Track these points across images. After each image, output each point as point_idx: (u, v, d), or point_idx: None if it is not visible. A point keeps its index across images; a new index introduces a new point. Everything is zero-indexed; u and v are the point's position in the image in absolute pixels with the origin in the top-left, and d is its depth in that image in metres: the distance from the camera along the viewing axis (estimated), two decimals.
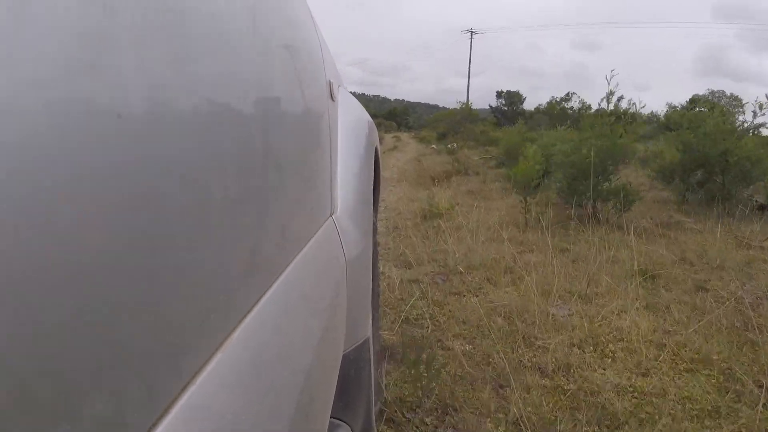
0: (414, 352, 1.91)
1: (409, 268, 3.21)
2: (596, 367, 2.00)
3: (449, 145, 15.17)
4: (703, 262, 3.36)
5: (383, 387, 1.71)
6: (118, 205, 0.21)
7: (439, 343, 2.17)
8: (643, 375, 1.94)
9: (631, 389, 1.83)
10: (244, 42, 0.38)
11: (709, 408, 1.72)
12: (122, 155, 0.21)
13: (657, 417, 1.64)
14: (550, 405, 1.72)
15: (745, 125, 5.52)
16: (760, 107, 5.11)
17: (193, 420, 0.26)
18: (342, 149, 0.89)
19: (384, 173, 3.48)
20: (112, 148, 0.20)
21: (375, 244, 1.26)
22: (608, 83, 4.56)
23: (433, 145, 17.34)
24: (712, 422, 1.65)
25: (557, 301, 2.65)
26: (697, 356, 2.07)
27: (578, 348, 2.16)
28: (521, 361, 2.04)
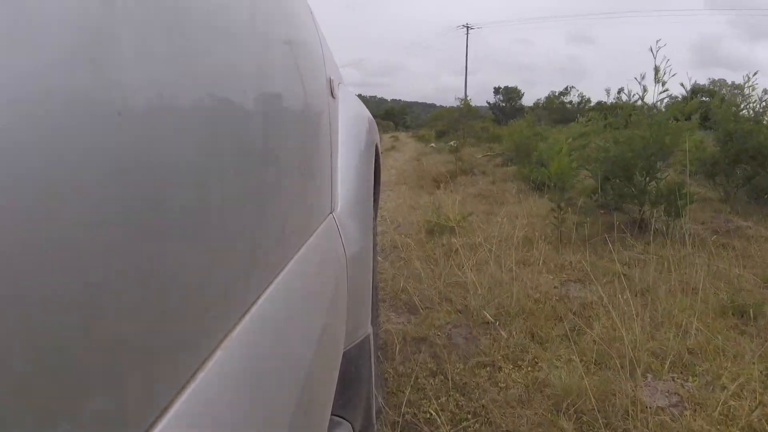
0: None
1: (414, 315, 2.29)
2: None
3: (450, 143, 14.51)
4: None
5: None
6: (118, 202, 0.21)
7: None
8: None
9: None
10: (244, 39, 0.38)
11: None
12: (122, 152, 0.21)
13: None
14: None
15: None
16: None
17: (194, 417, 0.26)
18: (342, 146, 0.89)
19: (382, 176, 1.80)
20: (112, 144, 0.20)
21: (375, 242, 1.26)
22: (654, 57, 3.61)
23: (432, 144, 16.49)
24: None
25: (647, 376, 1.74)
26: None
27: None
28: None
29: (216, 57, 0.32)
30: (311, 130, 0.62)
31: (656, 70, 3.67)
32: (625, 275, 2.56)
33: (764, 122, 4.88)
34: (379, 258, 2.64)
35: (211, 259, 0.30)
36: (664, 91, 3.75)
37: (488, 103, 47.05)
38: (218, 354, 0.29)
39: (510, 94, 48.34)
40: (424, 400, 1.60)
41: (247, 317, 0.34)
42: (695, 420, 1.46)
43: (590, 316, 2.24)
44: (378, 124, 1.40)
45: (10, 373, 0.15)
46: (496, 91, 48.75)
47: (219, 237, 0.31)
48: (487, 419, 1.52)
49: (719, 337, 1.96)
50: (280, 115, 0.46)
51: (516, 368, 1.83)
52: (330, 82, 0.83)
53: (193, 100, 0.28)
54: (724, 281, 2.64)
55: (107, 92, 0.20)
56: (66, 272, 0.18)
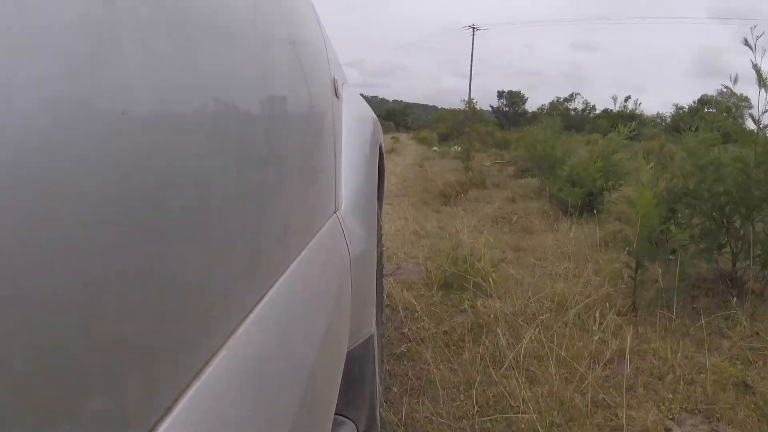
0: None
1: None
2: None
3: (454, 147, 13.35)
4: None
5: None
6: (122, 201, 0.21)
7: None
8: None
9: None
10: (248, 39, 0.38)
11: None
12: (126, 151, 0.21)
13: None
14: None
15: None
16: None
17: (198, 416, 0.26)
18: (346, 146, 0.89)
19: None
20: (114, 144, 0.20)
21: (380, 241, 1.26)
22: (753, 51, 2.39)
23: (435, 148, 15.61)
24: None
25: None
26: None
27: None
28: None
29: (219, 57, 0.32)
30: (315, 130, 0.62)
31: (757, 70, 2.49)
32: (752, 390, 1.69)
33: None
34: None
35: (214, 259, 0.30)
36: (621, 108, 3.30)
37: (491, 107, 46.70)
38: (222, 354, 0.29)
39: (514, 99, 47.98)
40: None
41: (251, 317, 0.34)
42: None
43: None
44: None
45: (10, 373, 0.15)
46: (500, 95, 48.37)
47: (222, 237, 0.31)
48: None
49: None
50: (284, 115, 0.46)
51: None
52: (334, 82, 0.83)
53: (196, 100, 0.28)
54: None
55: (109, 92, 0.20)
56: (68, 272, 0.18)
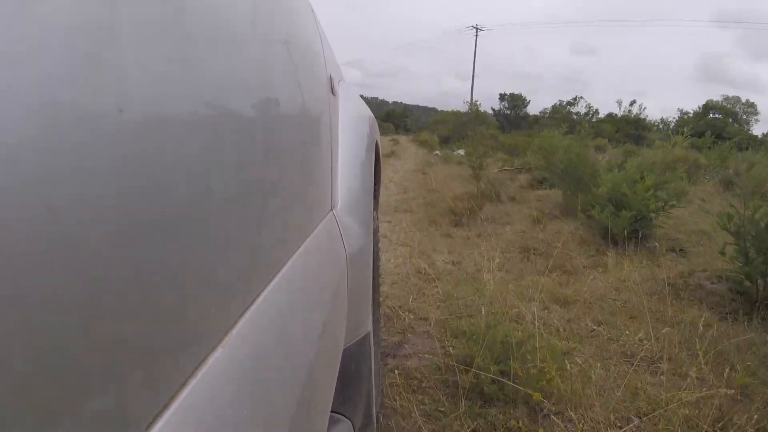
0: None
1: None
2: None
3: (457, 151, 12.55)
4: None
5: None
6: (119, 199, 0.21)
7: None
8: None
9: None
10: (244, 36, 0.38)
11: None
12: (123, 150, 0.21)
13: None
14: None
15: None
16: None
17: (194, 414, 0.26)
18: (343, 144, 0.89)
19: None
20: (112, 142, 0.20)
21: (376, 239, 1.26)
22: None
23: (437, 151, 14.52)
24: None
25: None
26: None
27: None
28: None
29: (216, 54, 0.32)
30: (311, 128, 0.62)
31: None
32: None
33: None
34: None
35: (211, 257, 0.30)
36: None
37: (493, 109, 46.47)
38: (219, 352, 0.29)
39: (515, 101, 47.85)
40: None
41: (248, 315, 0.34)
42: None
43: None
44: (378, 126, 1.39)
45: (10, 373, 0.15)
46: (502, 97, 48.18)
47: (219, 234, 0.31)
48: None
49: None
50: (280, 112, 0.46)
51: None
52: (331, 79, 0.83)
53: (192, 97, 0.28)
54: None
55: (106, 91, 0.20)
56: (66, 272, 0.18)
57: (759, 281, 2.38)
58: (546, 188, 6.64)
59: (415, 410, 1.50)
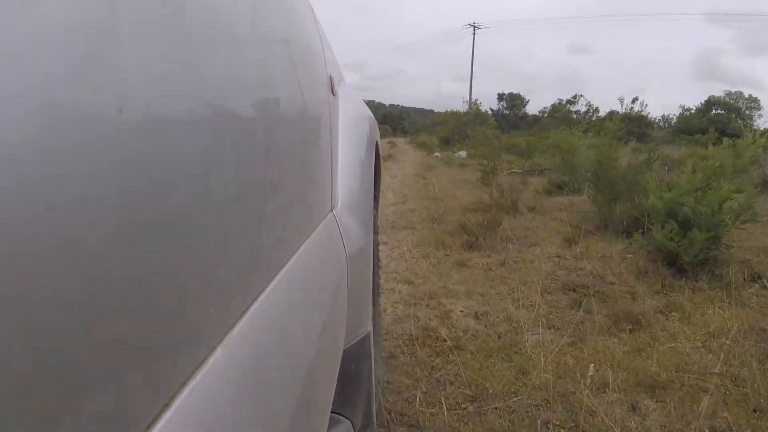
0: None
1: None
2: None
3: (458, 153, 11.78)
4: None
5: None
6: (119, 199, 0.21)
7: None
8: None
9: None
10: (244, 36, 0.38)
11: None
12: (123, 149, 0.21)
13: None
14: None
15: None
16: None
17: (194, 414, 0.26)
18: (343, 144, 0.89)
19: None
20: (112, 142, 0.20)
21: (376, 239, 1.26)
22: None
23: (437, 153, 13.57)
24: None
25: None
26: None
27: None
28: None
29: (216, 54, 0.32)
30: (311, 128, 0.62)
31: None
32: None
33: None
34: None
35: (211, 257, 0.30)
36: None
37: (491, 109, 46.30)
38: (219, 352, 0.29)
39: (514, 101, 47.75)
40: None
41: (248, 315, 0.34)
42: None
43: None
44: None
45: (10, 373, 0.15)
46: (500, 97, 48.09)
47: (219, 235, 0.31)
48: None
49: None
50: (280, 112, 0.46)
51: None
52: (330, 79, 0.83)
53: (192, 97, 0.28)
54: None
55: (106, 91, 0.20)
56: (66, 272, 0.18)
57: None
58: (567, 194, 5.68)
59: None
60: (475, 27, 35.30)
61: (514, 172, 8.07)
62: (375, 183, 1.15)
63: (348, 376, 0.77)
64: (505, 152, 11.73)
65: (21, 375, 0.16)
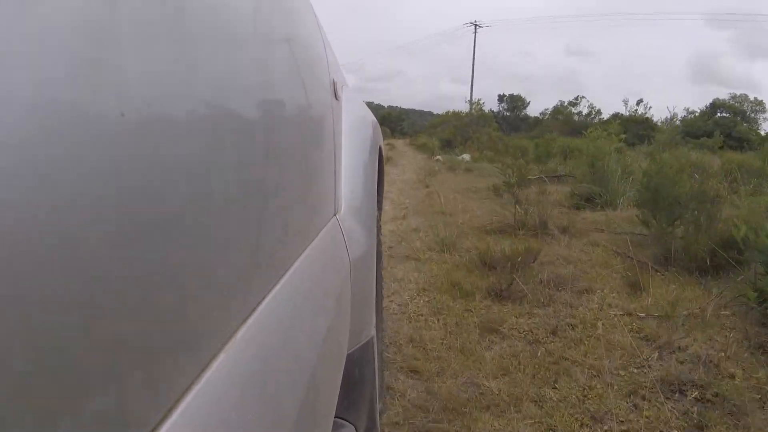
0: None
1: None
2: None
3: (461, 156, 10.95)
4: None
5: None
6: (122, 203, 0.21)
7: None
8: None
9: None
10: (247, 41, 0.38)
11: None
12: (125, 153, 0.21)
13: None
14: None
15: None
16: None
17: (198, 418, 0.26)
18: (346, 148, 0.89)
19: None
20: (115, 145, 0.20)
21: (379, 244, 1.26)
22: None
23: (438, 156, 12.58)
24: None
25: None
26: None
27: None
28: None
29: (219, 59, 0.32)
30: (314, 133, 0.62)
31: None
32: None
33: None
34: None
35: (215, 261, 0.30)
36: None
37: (492, 111, 46.08)
38: (222, 356, 0.29)
39: (515, 103, 47.56)
40: None
41: (251, 319, 0.34)
42: None
43: None
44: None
45: (10, 373, 0.15)
46: (501, 98, 47.86)
47: (222, 239, 0.31)
48: None
49: None
50: (283, 117, 0.46)
51: None
52: (333, 84, 0.83)
53: (196, 101, 0.28)
54: None
55: (108, 93, 0.20)
56: (69, 273, 0.18)
57: None
58: (599, 207, 4.77)
59: None
60: (476, 25, 35.26)
61: (528, 178, 7.00)
62: (378, 187, 1.15)
63: (352, 381, 0.77)
64: (508, 155, 11.46)
65: (21, 375, 0.16)
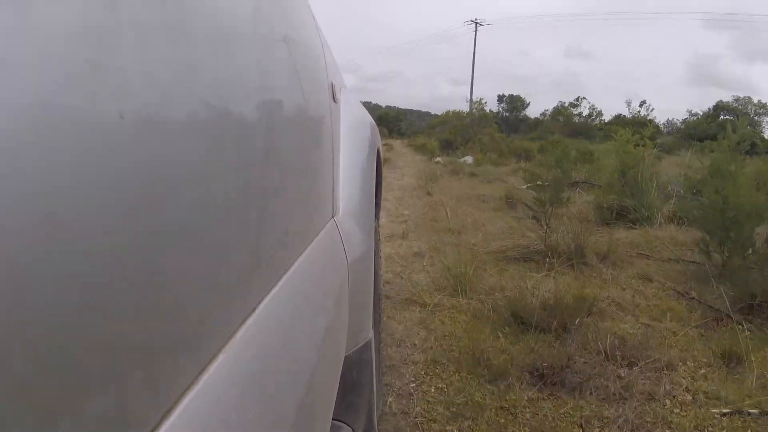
0: None
1: None
2: None
3: (463, 158, 10.39)
4: None
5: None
6: (122, 204, 0.21)
7: None
8: None
9: None
10: (246, 43, 0.38)
11: None
12: (125, 155, 0.21)
13: None
14: None
15: None
16: None
17: (196, 420, 0.26)
18: (344, 151, 0.89)
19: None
20: (114, 146, 0.20)
21: (377, 246, 1.26)
22: None
23: (438, 158, 11.92)
24: None
25: None
26: None
27: None
28: None
29: (218, 61, 0.32)
30: (313, 135, 0.62)
31: None
32: None
33: None
34: None
35: (213, 263, 0.30)
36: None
37: (491, 111, 45.95)
38: (220, 358, 0.29)
39: (515, 103, 47.41)
40: None
41: (250, 321, 0.34)
42: None
43: None
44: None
45: (10, 373, 0.15)
46: (500, 99, 47.70)
47: (221, 241, 0.31)
48: None
49: None
50: (282, 119, 0.46)
51: None
52: (332, 86, 0.83)
53: (195, 103, 0.28)
54: None
55: (108, 93, 0.20)
56: (69, 274, 0.18)
57: None
58: (633, 223, 4.06)
59: None
60: (476, 23, 35.19)
61: (537, 184, 6.11)
62: (377, 189, 1.15)
63: (350, 383, 0.77)
64: (511, 157, 10.69)
65: (21, 375, 0.16)
